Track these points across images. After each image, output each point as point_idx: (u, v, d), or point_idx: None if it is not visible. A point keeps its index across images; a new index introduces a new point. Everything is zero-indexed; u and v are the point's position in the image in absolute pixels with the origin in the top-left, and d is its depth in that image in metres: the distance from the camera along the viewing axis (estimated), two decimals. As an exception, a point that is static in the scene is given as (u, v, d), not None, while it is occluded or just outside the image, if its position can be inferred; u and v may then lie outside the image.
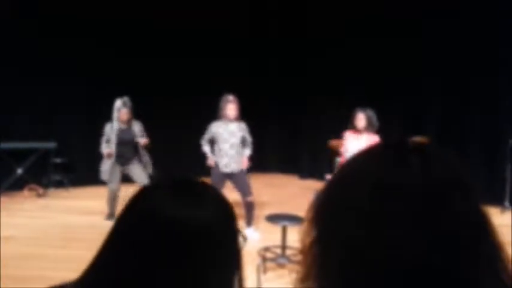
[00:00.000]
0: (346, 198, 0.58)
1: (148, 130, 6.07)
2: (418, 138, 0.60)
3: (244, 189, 5.27)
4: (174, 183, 0.78)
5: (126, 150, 5.73)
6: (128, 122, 5.75)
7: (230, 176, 5.29)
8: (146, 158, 5.92)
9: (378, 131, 5.27)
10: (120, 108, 5.67)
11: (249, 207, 5.31)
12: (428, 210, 0.53)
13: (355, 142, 5.25)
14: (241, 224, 5.56)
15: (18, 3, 7.28)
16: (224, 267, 0.75)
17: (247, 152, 5.37)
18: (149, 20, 8.22)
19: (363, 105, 5.38)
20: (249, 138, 5.39)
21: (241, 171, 5.30)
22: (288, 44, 9.36)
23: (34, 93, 7.52)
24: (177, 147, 8.55)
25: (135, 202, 0.76)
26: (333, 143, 6.51)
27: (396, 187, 0.54)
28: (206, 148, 5.36)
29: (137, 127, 5.84)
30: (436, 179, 0.54)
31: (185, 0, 8.41)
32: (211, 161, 5.33)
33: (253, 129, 5.51)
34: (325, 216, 0.60)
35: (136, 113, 5.86)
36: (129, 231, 0.73)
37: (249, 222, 5.37)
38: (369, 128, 5.24)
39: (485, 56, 6.88)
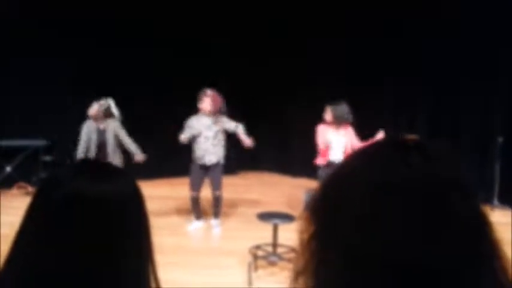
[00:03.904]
0: (344, 197, 0.57)
1: (145, 131, 5.97)
2: (410, 136, 0.60)
3: (216, 183, 5.41)
4: (82, 163, 0.78)
5: (103, 153, 5.44)
6: (100, 121, 5.45)
7: (207, 169, 5.36)
8: (133, 146, 5.56)
9: (352, 123, 5.44)
10: (92, 104, 5.43)
11: (217, 201, 5.51)
12: (428, 209, 0.52)
13: (336, 136, 5.36)
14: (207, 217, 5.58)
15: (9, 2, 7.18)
16: (137, 249, 0.76)
17: (240, 129, 5.37)
18: (149, 20, 8.12)
19: (356, 101, 5.55)
20: (232, 123, 5.37)
21: (218, 165, 5.36)
22: (282, 44, 9.32)
23: (23, 90, 7.43)
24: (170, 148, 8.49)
25: (44, 185, 0.77)
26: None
27: (396, 186, 0.54)
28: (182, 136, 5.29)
29: (113, 125, 5.49)
30: (436, 179, 0.54)
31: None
32: (183, 136, 5.25)
33: (245, 128, 5.50)
34: (322, 214, 0.59)
35: (133, 112, 5.72)
36: (43, 213, 0.74)
37: (216, 215, 5.59)
38: (337, 121, 5.32)
39: (480, 57, 6.91)
